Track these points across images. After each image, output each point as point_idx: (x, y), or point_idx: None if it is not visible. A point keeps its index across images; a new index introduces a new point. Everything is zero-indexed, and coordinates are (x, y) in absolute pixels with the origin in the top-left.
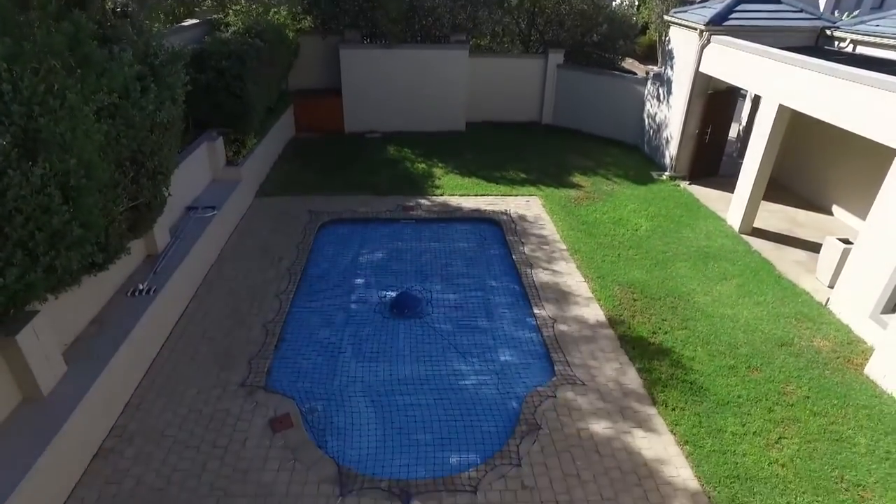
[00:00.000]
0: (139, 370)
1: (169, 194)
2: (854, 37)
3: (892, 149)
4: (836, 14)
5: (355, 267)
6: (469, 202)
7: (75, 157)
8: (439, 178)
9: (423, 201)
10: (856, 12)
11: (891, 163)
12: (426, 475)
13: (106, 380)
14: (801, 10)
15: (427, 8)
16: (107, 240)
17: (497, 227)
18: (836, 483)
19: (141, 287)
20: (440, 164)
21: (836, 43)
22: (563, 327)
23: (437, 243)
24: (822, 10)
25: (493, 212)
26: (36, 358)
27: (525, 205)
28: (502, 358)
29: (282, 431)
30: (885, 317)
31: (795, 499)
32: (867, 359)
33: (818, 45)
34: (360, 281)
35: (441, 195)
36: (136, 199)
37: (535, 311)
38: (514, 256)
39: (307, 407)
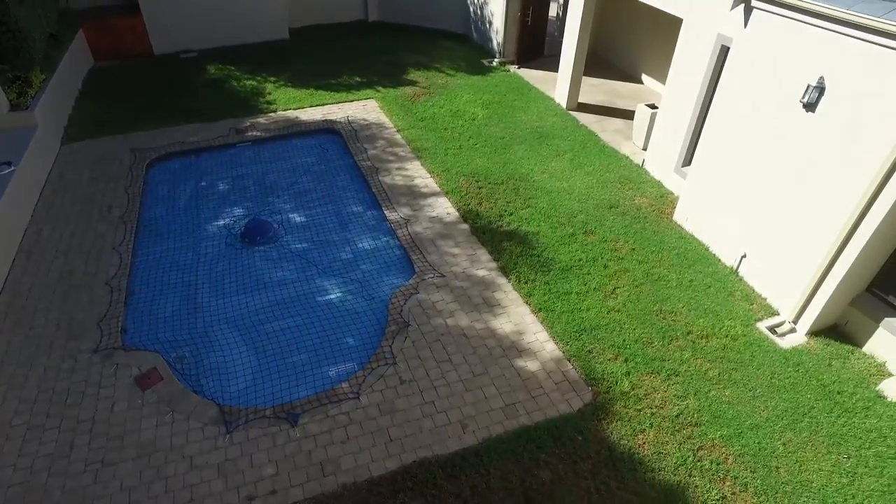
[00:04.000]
0: None
1: None
2: None
3: (680, 19)
4: None
5: (197, 201)
6: (306, 114)
7: None
8: (271, 94)
9: (257, 121)
10: None
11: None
12: (308, 393)
13: None
14: None
15: None
16: None
17: (338, 137)
18: (657, 315)
19: None
20: (270, 79)
21: None
22: (416, 226)
23: (280, 162)
24: None
25: (332, 121)
26: None
27: (363, 109)
28: (362, 266)
29: (151, 387)
30: (685, 169)
31: (628, 335)
32: (675, 208)
33: None
34: (204, 215)
35: (275, 111)
36: None
37: (387, 214)
38: (359, 164)
39: (173, 356)
